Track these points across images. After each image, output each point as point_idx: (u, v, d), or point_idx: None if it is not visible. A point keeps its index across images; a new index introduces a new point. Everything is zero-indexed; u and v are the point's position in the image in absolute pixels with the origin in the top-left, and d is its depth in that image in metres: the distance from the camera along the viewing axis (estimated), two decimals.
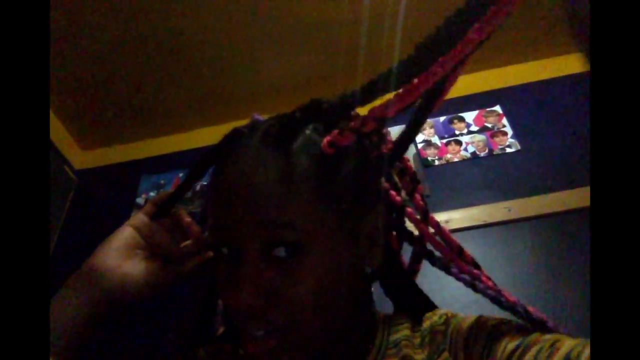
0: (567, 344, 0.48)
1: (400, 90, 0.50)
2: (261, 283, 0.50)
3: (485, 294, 0.59)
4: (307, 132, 0.56)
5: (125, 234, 0.65)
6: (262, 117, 0.65)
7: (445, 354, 0.56)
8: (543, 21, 1.86)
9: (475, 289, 0.60)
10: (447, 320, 0.60)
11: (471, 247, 0.67)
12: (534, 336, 0.51)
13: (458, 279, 0.62)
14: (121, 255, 0.62)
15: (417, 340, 0.60)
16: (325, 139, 0.55)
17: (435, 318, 0.61)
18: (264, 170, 0.52)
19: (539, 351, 0.49)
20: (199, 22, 1.78)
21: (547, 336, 0.50)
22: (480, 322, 0.57)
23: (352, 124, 0.53)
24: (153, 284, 0.63)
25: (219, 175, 0.57)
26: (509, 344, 0.51)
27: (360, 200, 0.57)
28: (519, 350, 0.50)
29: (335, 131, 0.54)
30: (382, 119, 0.54)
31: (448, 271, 0.63)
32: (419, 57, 0.46)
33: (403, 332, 0.62)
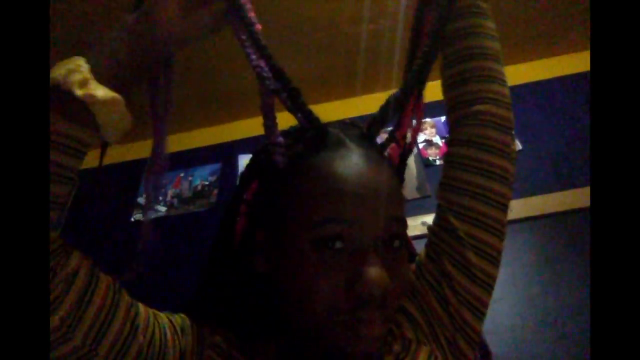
0: None
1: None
2: (389, 270, 0.55)
3: None
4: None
5: None
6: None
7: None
8: (543, 21, 1.86)
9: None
10: None
11: None
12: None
13: None
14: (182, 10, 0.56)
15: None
16: (394, 153, 0.69)
17: None
18: (382, 171, 0.60)
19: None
20: None
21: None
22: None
23: (400, 131, 0.70)
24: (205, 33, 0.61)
25: (333, 170, 0.59)
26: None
27: None
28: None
29: (393, 144, 0.69)
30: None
31: None
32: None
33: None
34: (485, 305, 0.67)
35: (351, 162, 0.59)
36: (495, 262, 0.67)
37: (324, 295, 0.54)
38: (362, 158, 0.60)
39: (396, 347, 0.66)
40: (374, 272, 0.53)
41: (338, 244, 0.54)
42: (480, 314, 0.67)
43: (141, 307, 0.59)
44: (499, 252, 0.68)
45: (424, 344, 0.67)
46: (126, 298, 0.57)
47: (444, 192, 0.70)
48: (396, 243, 0.58)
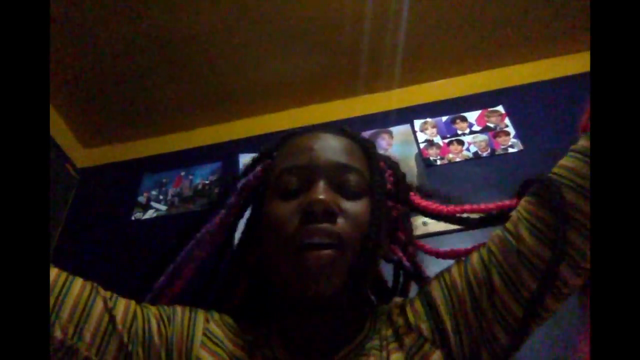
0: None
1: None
2: (331, 195, 0.65)
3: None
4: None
5: None
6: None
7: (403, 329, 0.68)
8: (546, 21, 1.85)
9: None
10: (401, 306, 0.72)
11: None
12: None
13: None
14: None
15: (390, 332, 0.69)
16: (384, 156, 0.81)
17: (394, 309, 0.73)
18: (340, 139, 0.74)
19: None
20: (201, 21, 1.78)
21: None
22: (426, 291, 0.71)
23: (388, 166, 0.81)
24: None
25: (297, 141, 0.74)
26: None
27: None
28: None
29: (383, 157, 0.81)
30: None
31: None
32: None
33: (384, 321, 0.71)
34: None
35: (310, 135, 0.74)
36: (555, 292, 0.60)
37: (284, 226, 0.64)
38: (322, 133, 0.74)
39: (407, 341, 0.66)
40: (316, 192, 0.64)
41: (293, 181, 0.68)
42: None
43: (121, 299, 0.65)
44: (566, 284, 0.59)
45: (439, 347, 0.64)
46: (103, 292, 0.63)
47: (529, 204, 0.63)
48: (342, 190, 0.67)
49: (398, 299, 0.75)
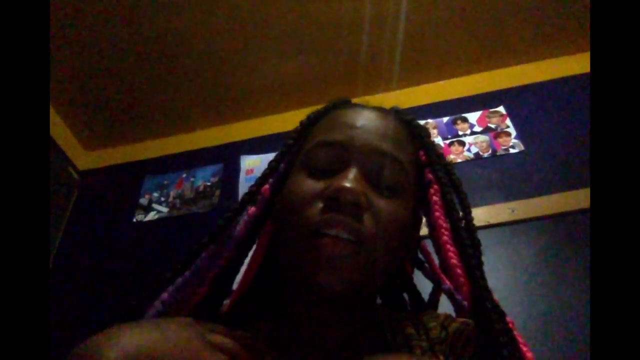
0: None
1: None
2: (363, 186, 0.58)
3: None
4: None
5: None
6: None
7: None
8: (547, 21, 1.86)
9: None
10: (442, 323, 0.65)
11: None
12: None
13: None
14: None
15: (425, 344, 0.62)
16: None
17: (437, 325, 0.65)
18: (386, 121, 0.66)
19: None
20: (201, 23, 1.79)
21: None
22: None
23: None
24: None
25: (342, 114, 0.67)
26: None
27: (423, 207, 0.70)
28: None
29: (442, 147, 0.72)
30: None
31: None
32: None
33: (408, 330, 0.64)
34: None
35: (356, 111, 0.67)
36: None
37: (305, 208, 0.58)
38: (369, 111, 0.67)
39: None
40: (345, 179, 0.57)
41: (321, 158, 0.61)
42: None
43: None
44: None
45: None
46: None
47: None
48: (378, 185, 0.60)
49: (435, 313, 0.67)
